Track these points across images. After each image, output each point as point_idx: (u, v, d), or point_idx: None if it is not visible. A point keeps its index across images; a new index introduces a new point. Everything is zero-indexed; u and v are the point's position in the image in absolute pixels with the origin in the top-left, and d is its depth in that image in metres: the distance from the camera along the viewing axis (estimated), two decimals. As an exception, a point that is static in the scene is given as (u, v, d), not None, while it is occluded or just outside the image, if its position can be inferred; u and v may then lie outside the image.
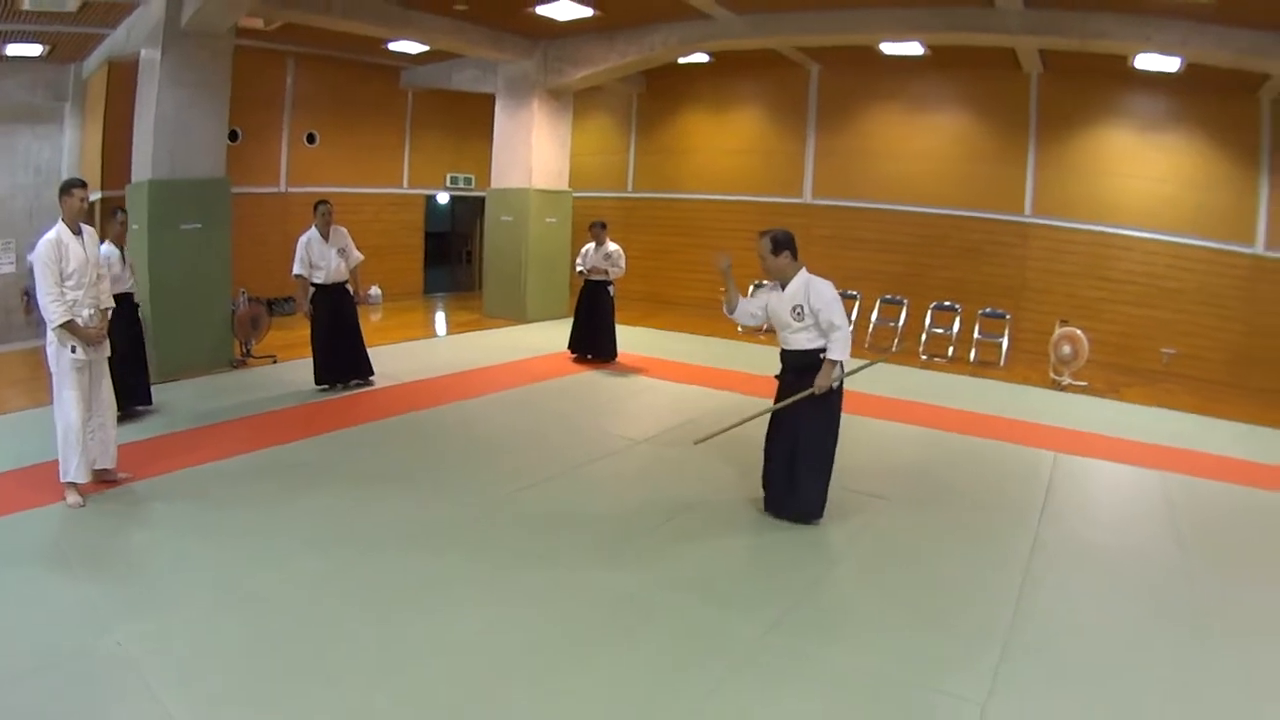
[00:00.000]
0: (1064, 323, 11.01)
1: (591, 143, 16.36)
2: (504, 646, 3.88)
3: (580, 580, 4.62)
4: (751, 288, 11.34)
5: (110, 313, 5.74)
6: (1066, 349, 10.70)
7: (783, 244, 5.37)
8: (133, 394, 7.26)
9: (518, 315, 13.71)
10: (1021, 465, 7.17)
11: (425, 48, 13.32)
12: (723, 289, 5.77)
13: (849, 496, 5.98)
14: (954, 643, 4.08)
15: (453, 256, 18.17)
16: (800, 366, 5.42)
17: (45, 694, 3.34)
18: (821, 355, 5.31)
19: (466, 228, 18.23)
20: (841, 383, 5.45)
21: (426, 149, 16.30)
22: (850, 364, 5.48)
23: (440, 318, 13.97)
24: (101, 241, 6.22)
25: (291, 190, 14.13)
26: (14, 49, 11.68)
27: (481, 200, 17.14)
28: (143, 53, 9.22)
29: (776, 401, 5.58)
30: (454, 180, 16.79)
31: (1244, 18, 8.78)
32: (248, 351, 9.63)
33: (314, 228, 8.44)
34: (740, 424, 5.80)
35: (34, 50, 11.85)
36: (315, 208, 8.50)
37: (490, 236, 14.32)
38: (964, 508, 6.05)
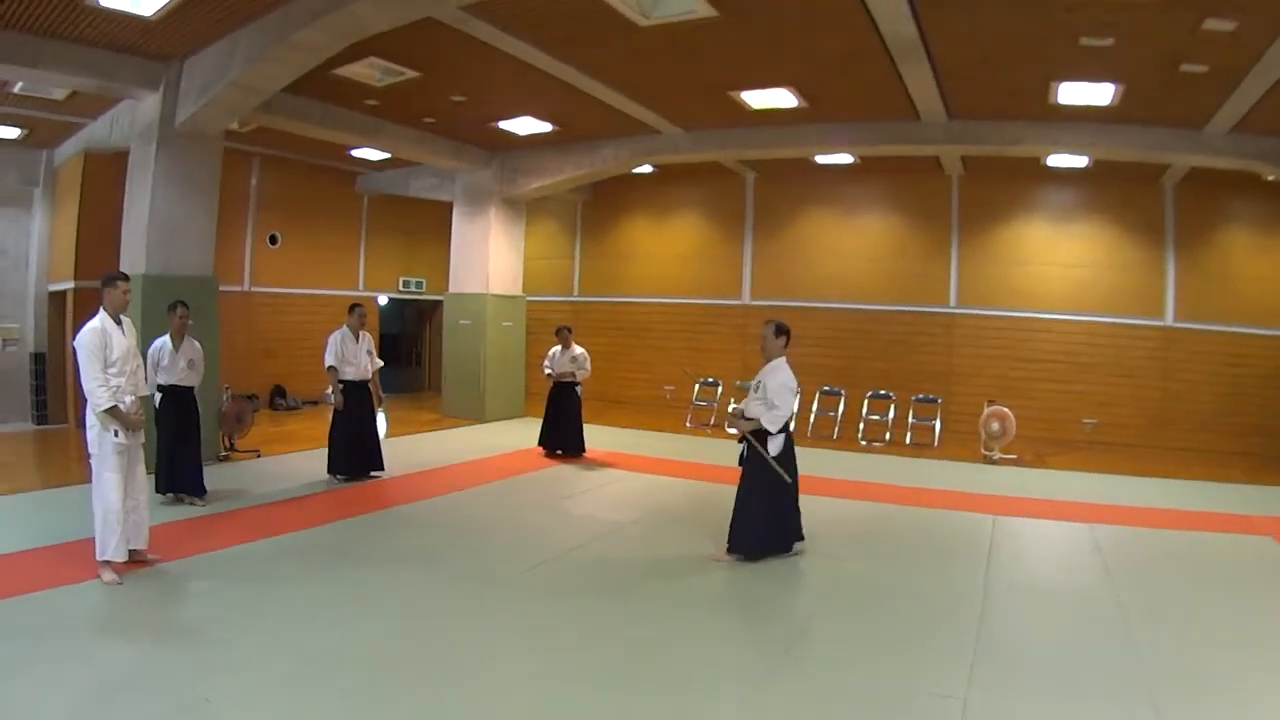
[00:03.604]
0: (991, 402, 11.96)
1: (539, 248, 17.06)
2: (555, 686, 4.32)
3: (609, 633, 5.11)
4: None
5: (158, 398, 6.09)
6: (995, 426, 11.60)
7: (782, 331, 6.71)
8: (188, 483, 7.74)
9: (476, 415, 14.08)
10: (964, 528, 7.97)
11: (387, 155, 13.98)
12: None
13: (816, 560, 6.73)
14: (930, 658, 4.83)
15: (402, 358, 18.46)
16: (754, 433, 6.51)
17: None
18: (768, 430, 6.43)
19: (415, 330, 18.61)
20: (784, 450, 6.51)
21: (380, 252, 16.81)
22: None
23: (403, 417, 14.18)
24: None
25: (254, 290, 14.45)
26: (-10, 131, 11.83)
27: (430, 303, 17.64)
28: (133, 148, 9.55)
29: (740, 461, 6.73)
30: (406, 283, 17.27)
31: (1145, 116, 9.99)
32: (231, 446, 9.81)
33: (345, 326, 9.01)
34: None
35: (11, 133, 12.02)
36: (351, 309, 9.14)
37: (449, 339, 14.77)
38: (918, 562, 6.83)
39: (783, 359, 6.61)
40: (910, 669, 4.66)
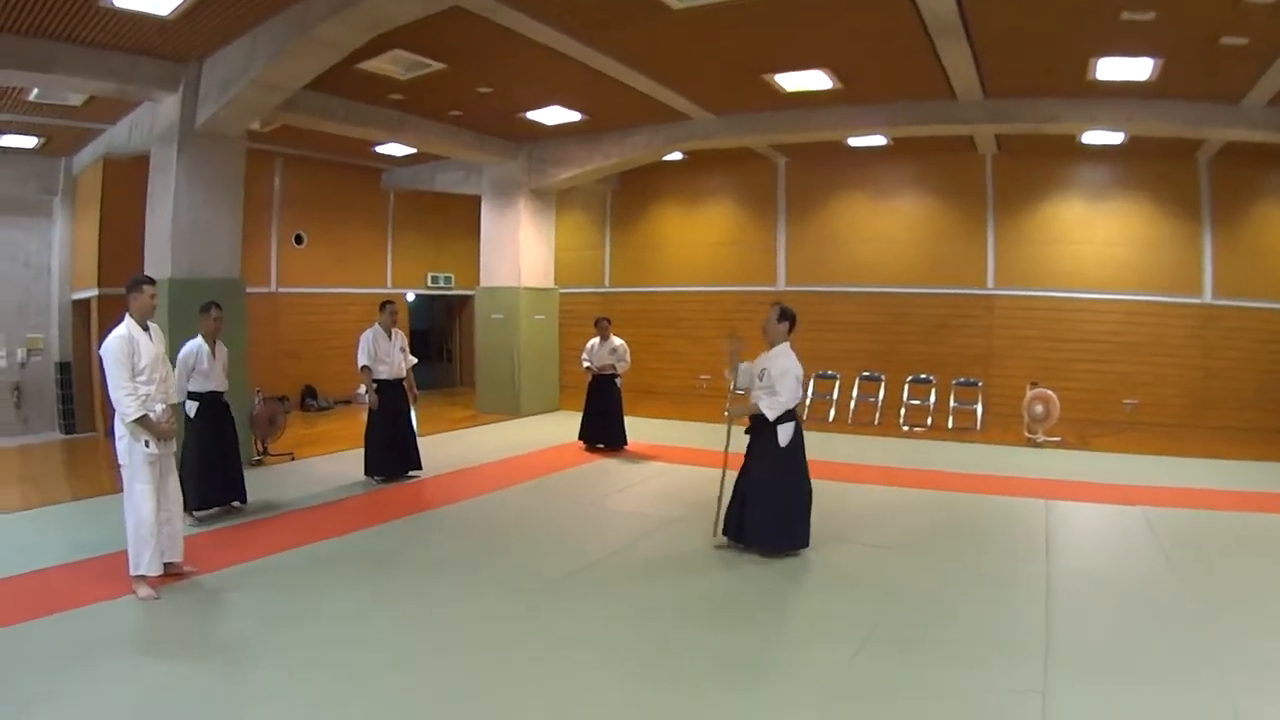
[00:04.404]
0: (1034, 384, 11.70)
1: (568, 239, 16.78)
2: (620, 695, 4.14)
3: (669, 636, 4.93)
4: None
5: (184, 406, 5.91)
6: (1039, 408, 11.38)
7: (786, 315, 6.44)
8: (231, 491, 7.49)
9: (511, 410, 13.95)
10: (1018, 513, 7.82)
11: (412, 150, 13.83)
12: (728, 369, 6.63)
13: (873, 551, 6.59)
14: (1004, 651, 4.68)
15: (433, 354, 18.27)
16: (757, 424, 6.33)
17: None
18: (766, 416, 6.19)
19: (445, 325, 18.47)
20: (793, 440, 6.27)
21: (408, 249, 16.68)
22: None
23: (437, 414, 13.98)
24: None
25: (281, 291, 14.36)
26: (7, 140, 11.74)
27: (460, 298, 17.51)
28: (154, 151, 9.41)
29: (747, 454, 6.48)
30: (434, 279, 17.13)
31: (1182, 91, 9.72)
32: (265, 450, 9.69)
33: (377, 325, 8.81)
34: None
35: (28, 142, 11.91)
36: (382, 306, 8.92)
37: (481, 334, 14.60)
38: (976, 551, 6.68)
39: (786, 345, 6.35)
40: (985, 663, 4.53)
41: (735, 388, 6.62)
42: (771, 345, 6.39)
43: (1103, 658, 4.58)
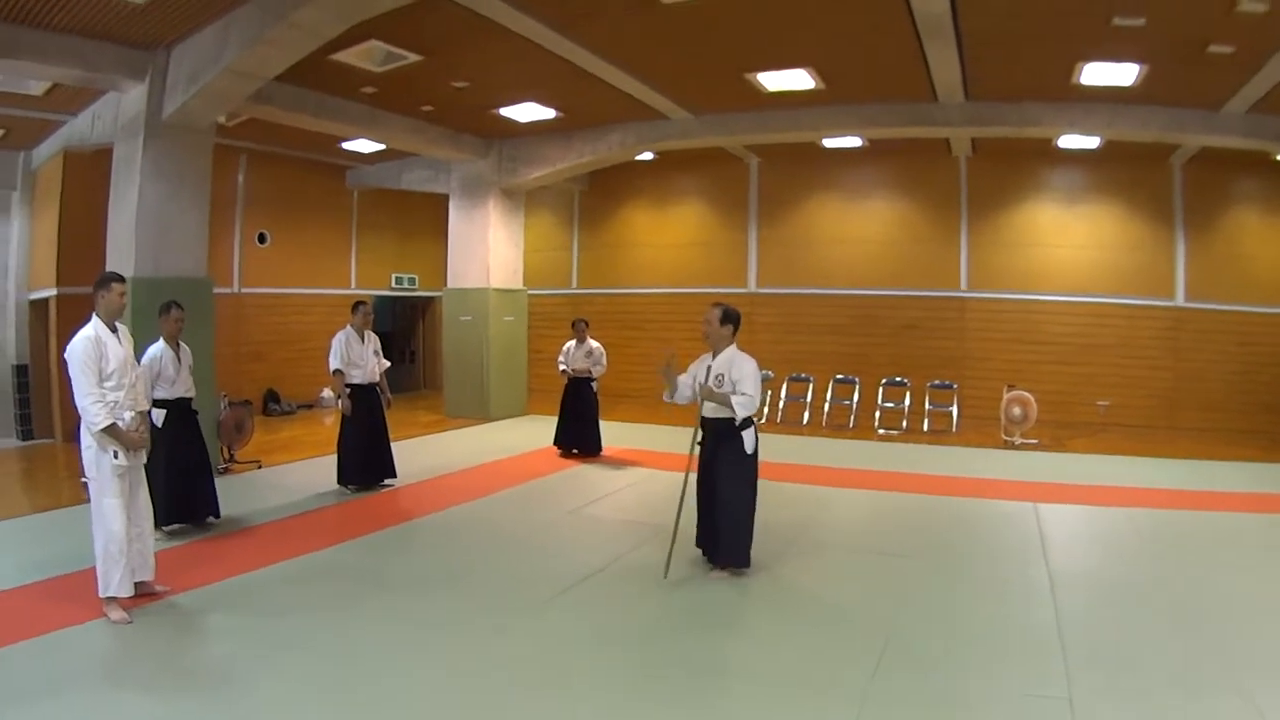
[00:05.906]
0: (1011, 387, 11.74)
1: (535, 240, 16.43)
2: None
3: (681, 654, 4.69)
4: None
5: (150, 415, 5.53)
6: (1017, 410, 11.45)
7: (730, 318, 6.00)
8: (204, 505, 7.02)
9: (481, 414, 13.62)
10: (1008, 517, 7.82)
11: (380, 146, 13.42)
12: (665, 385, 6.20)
13: (881, 559, 6.54)
14: (1022, 657, 4.63)
15: (394, 356, 17.80)
16: (717, 431, 5.90)
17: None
18: (735, 423, 5.82)
19: (408, 327, 18.04)
20: (756, 450, 5.92)
21: (372, 249, 16.25)
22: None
23: (405, 419, 13.55)
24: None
25: (245, 291, 13.86)
26: (-37, 132, 11.19)
27: (423, 300, 17.12)
28: (118, 144, 9.02)
29: (699, 465, 6.03)
30: (399, 280, 16.72)
31: (1164, 97, 9.77)
32: (231, 457, 9.27)
33: (349, 327, 8.43)
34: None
35: None
36: (354, 307, 8.57)
37: (449, 336, 14.26)
38: (976, 555, 6.62)
39: (734, 346, 5.94)
40: (1005, 669, 4.47)
41: (671, 398, 6.20)
42: (715, 348, 5.99)
43: (1120, 660, 4.54)
